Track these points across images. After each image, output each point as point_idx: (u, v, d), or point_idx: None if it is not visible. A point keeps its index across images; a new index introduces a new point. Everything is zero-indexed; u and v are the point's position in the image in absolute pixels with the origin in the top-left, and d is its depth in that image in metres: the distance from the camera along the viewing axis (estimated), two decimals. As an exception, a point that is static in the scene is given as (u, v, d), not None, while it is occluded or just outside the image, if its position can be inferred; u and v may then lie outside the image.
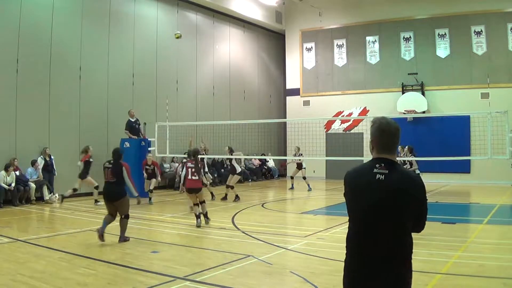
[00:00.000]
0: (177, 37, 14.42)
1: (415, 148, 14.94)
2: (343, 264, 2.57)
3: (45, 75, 13.84)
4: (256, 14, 21.90)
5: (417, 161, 13.12)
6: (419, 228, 2.54)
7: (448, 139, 17.97)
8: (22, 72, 13.20)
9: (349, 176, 2.64)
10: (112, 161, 8.07)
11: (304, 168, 16.84)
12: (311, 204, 13.08)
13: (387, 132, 2.56)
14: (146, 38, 17.17)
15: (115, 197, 7.82)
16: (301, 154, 16.66)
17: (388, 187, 2.44)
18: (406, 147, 13.53)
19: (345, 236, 2.64)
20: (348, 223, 2.64)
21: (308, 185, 16.27)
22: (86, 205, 12.67)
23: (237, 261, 6.44)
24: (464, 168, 18.46)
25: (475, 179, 18.22)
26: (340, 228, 9.05)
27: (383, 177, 2.46)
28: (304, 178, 16.58)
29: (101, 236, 7.63)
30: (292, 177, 17.14)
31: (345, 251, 2.61)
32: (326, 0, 22.16)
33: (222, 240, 8.14)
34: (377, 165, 2.51)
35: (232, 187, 13.38)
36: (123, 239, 7.88)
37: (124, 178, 7.91)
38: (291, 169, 18.46)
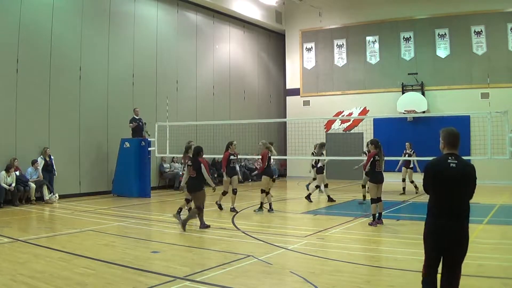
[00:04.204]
0: None
1: (416, 148, 15.07)
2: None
3: (45, 75, 13.83)
4: (256, 14, 21.89)
5: (417, 160, 13.52)
6: (472, 195, 4.00)
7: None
8: (22, 72, 13.19)
9: (431, 165, 4.02)
10: (192, 159, 9.25)
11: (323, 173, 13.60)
12: (311, 204, 13.08)
13: (453, 136, 4.04)
14: (146, 38, 17.16)
15: (194, 189, 9.06)
16: (322, 154, 13.61)
17: (458, 171, 3.89)
18: (408, 143, 14.80)
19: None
20: (430, 196, 4.04)
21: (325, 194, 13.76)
22: (86, 205, 12.67)
23: (237, 261, 6.44)
24: (464, 168, 18.41)
25: (475, 179, 18.19)
26: (340, 228, 9.05)
27: (454, 165, 3.91)
28: (325, 186, 13.59)
29: (206, 226, 9.03)
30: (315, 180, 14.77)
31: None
32: (326, 0, 22.16)
33: (222, 240, 8.14)
34: (449, 158, 3.96)
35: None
36: (203, 225, 9.01)
37: (202, 173, 9.01)
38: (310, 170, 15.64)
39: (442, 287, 3.97)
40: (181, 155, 17.01)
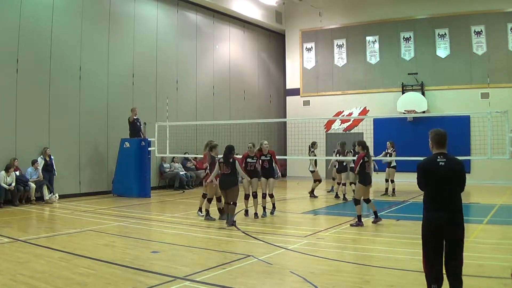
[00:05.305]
0: None
1: (416, 147, 14.98)
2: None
3: (45, 75, 13.83)
4: (256, 14, 21.89)
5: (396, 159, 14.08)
6: (462, 188, 4.30)
7: (448, 139, 17.92)
8: (22, 72, 13.19)
9: (422, 165, 4.37)
10: (225, 157, 9.45)
11: (347, 172, 13.55)
12: (311, 204, 13.08)
13: (440, 136, 4.43)
14: (146, 38, 17.16)
15: (229, 186, 9.33)
16: (349, 152, 13.62)
17: (447, 168, 4.24)
18: (389, 142, 14.57)
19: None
20: (424, 192, 4.39)
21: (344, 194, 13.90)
22: (86, 205, 12.66)
23: (237, 261, 6.44)
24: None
25: (475, 179, 18.14)
26: (340, 228, 9.05)
27: (443, 163, 4.26)
28: (343, 184, 13.74)
29: (234, 224, 9.26)
30: (334, 179, 14.75)
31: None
32: (326, 0, 22.16)
33: (222, 240, 8.14)
34: (438, 157, 4.32)
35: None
36: (231, 223, 9.18)
37: (237, 169, 9.42)
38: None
39: (447, 276, 4.20)
40: (181, 155, 17.27)
